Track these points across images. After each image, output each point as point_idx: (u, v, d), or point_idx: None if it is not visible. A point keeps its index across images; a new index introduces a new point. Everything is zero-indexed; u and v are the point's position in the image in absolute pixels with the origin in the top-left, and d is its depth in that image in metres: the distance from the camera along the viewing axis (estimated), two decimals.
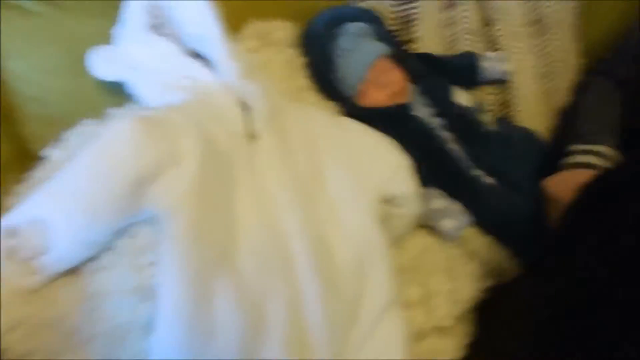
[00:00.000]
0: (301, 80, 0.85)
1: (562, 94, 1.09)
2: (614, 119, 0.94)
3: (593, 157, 0.88)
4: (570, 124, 0.97)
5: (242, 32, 0.86)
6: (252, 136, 0.66)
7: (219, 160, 0.59)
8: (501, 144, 0.94)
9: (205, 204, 0.55)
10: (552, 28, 1.09)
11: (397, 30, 1.02)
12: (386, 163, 0.72)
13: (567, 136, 0.95)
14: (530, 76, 1.07)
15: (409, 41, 1.03)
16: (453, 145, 0.90)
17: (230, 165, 0.60)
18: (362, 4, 1.00)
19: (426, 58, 1.01)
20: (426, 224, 0.83)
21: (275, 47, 0.85)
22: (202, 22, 0.67)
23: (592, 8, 1.13)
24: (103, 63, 0.69)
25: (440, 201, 0.83)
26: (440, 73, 0.99)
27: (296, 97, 0.82)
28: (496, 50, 1.06)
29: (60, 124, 0.73)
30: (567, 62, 1.09)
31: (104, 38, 0.77)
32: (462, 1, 1.07)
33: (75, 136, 0.67)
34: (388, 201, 0.73)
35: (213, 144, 0.59)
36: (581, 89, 1.02)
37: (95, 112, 0.72)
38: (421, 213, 0.83)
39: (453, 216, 0.82)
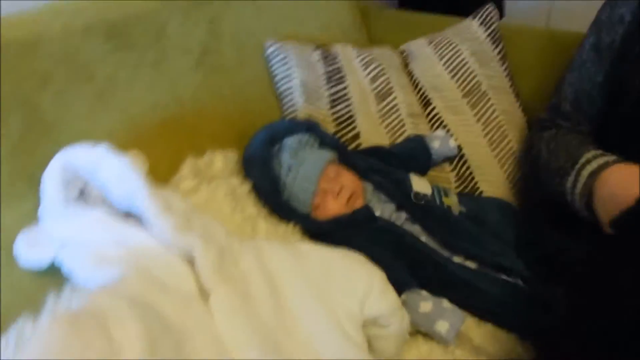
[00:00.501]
0: (250, 209, 0.79)
1: (516, 154, 1.07)
2: (580, 138, 0.89)
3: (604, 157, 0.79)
4: (545, 169, 0.91)
5: (179, 173, 0.81)
6: (206, 294, 0.59)
7: (168, 339, 0.51)
8: (473, 223, 0.89)
9: None
10: (489, 94, 1.09)
11: (338, 132, 0.99)
12: (357, 284, 0.66)
13: (544, 185, 0.90)
14: (480, 145, 1.05)
15: (353, 138, 1.00)
16: (425, 238, 0.85)
17: (183, 339, 0.53)
18: (296, 115, 0.98)
19: (374, 152, 0.98)
20: (420, 331, 0.76)
21: (216, 181, 0.80)
22: (127, 180, 0.61)
23: (520, 67, 1.15)
24: (28, 248, 0.62)
25: (427, 303, 0.76)
26: (391, 164, 0.96)
27: (248, 229, 0.76)
28: (441, 127, 1.05)
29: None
30: (513, 123, 1.09)
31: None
32: (395, 89, 1.06)
33: (12, 339, 0.58)
34: (370, 323, 0.66)
35: (160, 321, 0.52)
36: (534, 140, 0.98)
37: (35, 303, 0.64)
38: (410, 322, 0.76)
39: (445, 316, 0.74)
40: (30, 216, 0.70)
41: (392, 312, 0.67)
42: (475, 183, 1.03)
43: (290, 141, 0.87)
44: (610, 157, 0.79)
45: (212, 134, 0.90)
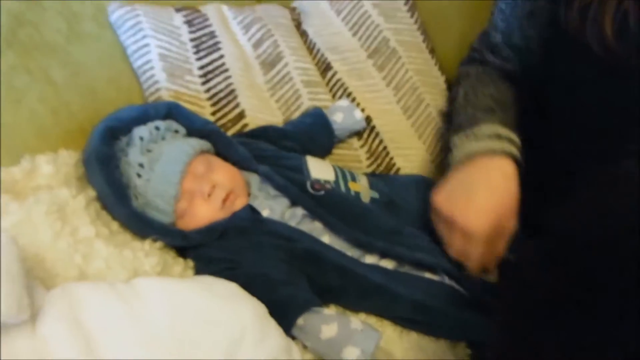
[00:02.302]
0: (85, 228, 0.58)
1: (436, 120, 0.91)
2: (497, 94, 0.77)
3: (478, 143, 0.71)
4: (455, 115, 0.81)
5: None
6: None
7: None
8: (387, 211, 0.73)
9: None
10: (398, 52, 0.91)
11: (216, 112, 0.79)
12: (219, 332, 0.47)
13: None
14: (393, 113, 0.88)
15: (238, 117, 0.81)
16: (328, 238, 0.67)
17: None
18: (160, 96, 0.76)
19: (263, 133, 0.79)
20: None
21: (36, 195, 0.59)
22: None
23: (438, 20, 0.97)
24: None
25: (330, 327, 0.59)
26: (285, 147, 0.78)
27: (78, 258, 0.55)
28: (344, 96, 0.87)
29: None
30: (430, 84, 0.92)
31: None
32: (286, 53, 0.87)
33: None
34: None
35: None
36: (459, 75, 0.85)
37: None
38: (312, 351, 0.59)
39: (353, 340, 0.58)
40: None
41: (279, 352, 0.50)
42: (391, 159, 0.86)
43: (142, 131, 0.66)
44: (496, 144, 0.70)
45: (39, 132, 0.68)
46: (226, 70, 0.82)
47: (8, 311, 0.41)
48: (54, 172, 0.63)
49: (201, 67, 0.80)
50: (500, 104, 0.76)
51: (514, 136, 0.71)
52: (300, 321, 0.59)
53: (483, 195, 0.66)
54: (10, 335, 0.42)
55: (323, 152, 0.82)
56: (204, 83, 0.80)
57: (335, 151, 0.84)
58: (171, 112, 0.70)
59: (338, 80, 0.88)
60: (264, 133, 0.79)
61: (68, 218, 0.59)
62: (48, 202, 0.58)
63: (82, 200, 0.61)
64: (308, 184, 0.70)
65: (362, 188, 0.75)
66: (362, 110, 0.85)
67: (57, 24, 0.73)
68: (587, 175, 0.44)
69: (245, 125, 0.81)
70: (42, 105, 0.69)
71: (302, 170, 0.73)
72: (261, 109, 0.83)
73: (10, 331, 0.42)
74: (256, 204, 0.68)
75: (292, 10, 0.96)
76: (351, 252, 0.68)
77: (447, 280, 0.69)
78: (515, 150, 0.70)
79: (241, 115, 0.81)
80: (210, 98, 0.80)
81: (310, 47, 0.92)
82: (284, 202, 0.69)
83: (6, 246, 0.45)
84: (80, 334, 0.44)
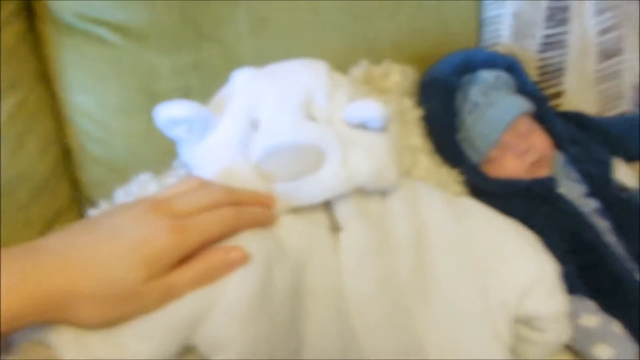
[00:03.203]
0: (415, 139, 0.67)
1: None
2: None
3: None
4: None
5: (349, 73, 0.70)
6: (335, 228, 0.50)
7: (284, 263, 0.43)
8: None
9: (262, 333, 0.39)
10: None
11: (540, 82, 0.81)
12: (523, 271, 0.52)
13: None
14: None
15: (555, 95, 0.82)
16: (610, 239, 0.68)
17: (301, 269, 0.44)
18: (497, 50, 0.81)
19: (576, 119, 0.79)
20: (571, 346, 0.61)
21: (387, 96, 0.68)
22: None
23: None
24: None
25: (593, 317, 0.60)
26: (594, 139, 0.77)
27: (407, 160, 0.64)
28: None
29: (123, 171, 0.61)
30: None
31: (182, 76, 0.65)
32: (627, 50, 0.84)
33: (125, 195, 0.54)
34: (523, 322, 0.53)
35: (277, 243, 0.44)
36: None
37: (166, 159, 0.59)
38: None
39: (611, 341, 0.59)
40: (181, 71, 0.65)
41: (555, 318, 0.53)
42: None
43: (486, 75, 0.71)
44: None
45: (395, 44, 0.77)
46: (565, 46, 0.82)
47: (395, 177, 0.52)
48: (400, 82, 0.72)
49: (545, 36, 0.82)
50: None
51: None
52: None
53: None
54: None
55: (627, 157, 0.80)
56: (540, 52, 0.82)
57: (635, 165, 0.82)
58: (512, 66, 0.74)
59: None
60: (578, 118, 0.79)
61: (405, 124, 0.67)
62: (395, 105, 0.67)
63: (416, 114, 0.69)
64: (613, 182, 0.70)
65: None
66: None
67: None
68: None
69: (559, 105, 0.82)
70: (408, 22, 0.78)
71: (607, 167, 0.73)
72: (580, 96, 0.83)
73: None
74: (556, 179, 0.70)
75: None
76: (630, 264, 0.67)
77: None
78: None
79: (559, 94, 0.82)
80: (539, 67, 0.82)
81: None
82: (580, 189, 0.70)
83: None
84: (415, 216, 0.53)
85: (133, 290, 0.35)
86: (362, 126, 0.51)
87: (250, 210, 0.44)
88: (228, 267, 0.39)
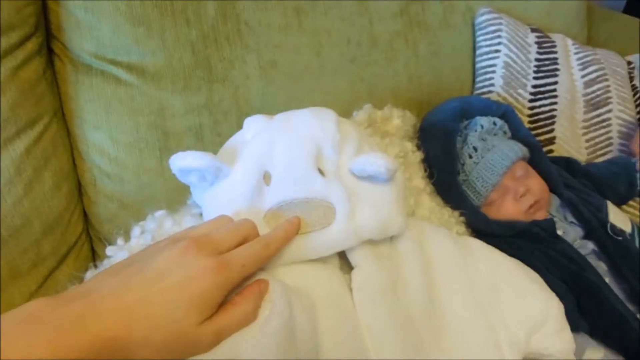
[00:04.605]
0: (418, 180, 0.69)
1: None
2: None
3: None
4: None
5: (354, 116, 0.73)
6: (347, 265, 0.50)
7: (301, 306, 0.43)
8: None
9: None
10: None
11: (531, 130, 0.85)
12: (531, 309, 0.53)
13: None
14: None
15: (546, 142, 0.86)
16: (609, 280, 0.69)
17: (313, 308, 0.45)
18: (494, 96, 0.85)
19: (567, 164, 0.82)
20: None
21: (389, 138, 0.70)
22: None
23: None
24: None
25: (596, 352, 0.61)
26: (584, 185, 0.80)
27: (411, 201, 0.65)
28: None
29: (134, 207, 0.62)
30: None
31: (194, 114, 0.67)
32: (614, 100, 0.89)
33: (141, 231, 0.54)
34: (531, 358, 0.53)
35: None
36: None
37: (176, 196, 0.59)
38: None
39: None
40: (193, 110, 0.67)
41: (564, 354, 0.54)
42: None
43: (484, 121, 0.74)
44: None
45: (392, 89, 0.81)
46: (555, 96, 0.87)
47: (401, 226, 0.52)
48: (400, 125, 0.75)
49: (535, 87, 0.86)
50: None
51: None
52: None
53: None
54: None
55: (616, 200, 0.83)
56: (531, 101, 0.86)
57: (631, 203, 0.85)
58: (506, 114, 0.78)
59: None
60: (567, 164, 0.83)
61: (408, 166, 0.69)
62: (398, 147, 0.70)
63: (418, 156, 0.72)
64: (609, 225, 0.72)
65: None
66: None
67: (436, 9, 0.85)
68: None
69: (551, 151, 0.86)
70: (405, 69, 0.82)
71: (603, 211, 0.75)
72: (570, 143, 0.87)
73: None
74: (555, 222, 0.72)
75: (628, 63, 0.98)
76: (628, 304, 0.68)
77: None
78: None
79: (551, 141, 0.86)
80: (531, 116, 0.86)
81: (638, 104, 0.93)
82: (577, 231, 0.72)
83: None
84: (422, 255, 0.54)
85: (187, 335, 0.35)
86: (369, 179, 0.52)
87: (276, 243, 0.44)
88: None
